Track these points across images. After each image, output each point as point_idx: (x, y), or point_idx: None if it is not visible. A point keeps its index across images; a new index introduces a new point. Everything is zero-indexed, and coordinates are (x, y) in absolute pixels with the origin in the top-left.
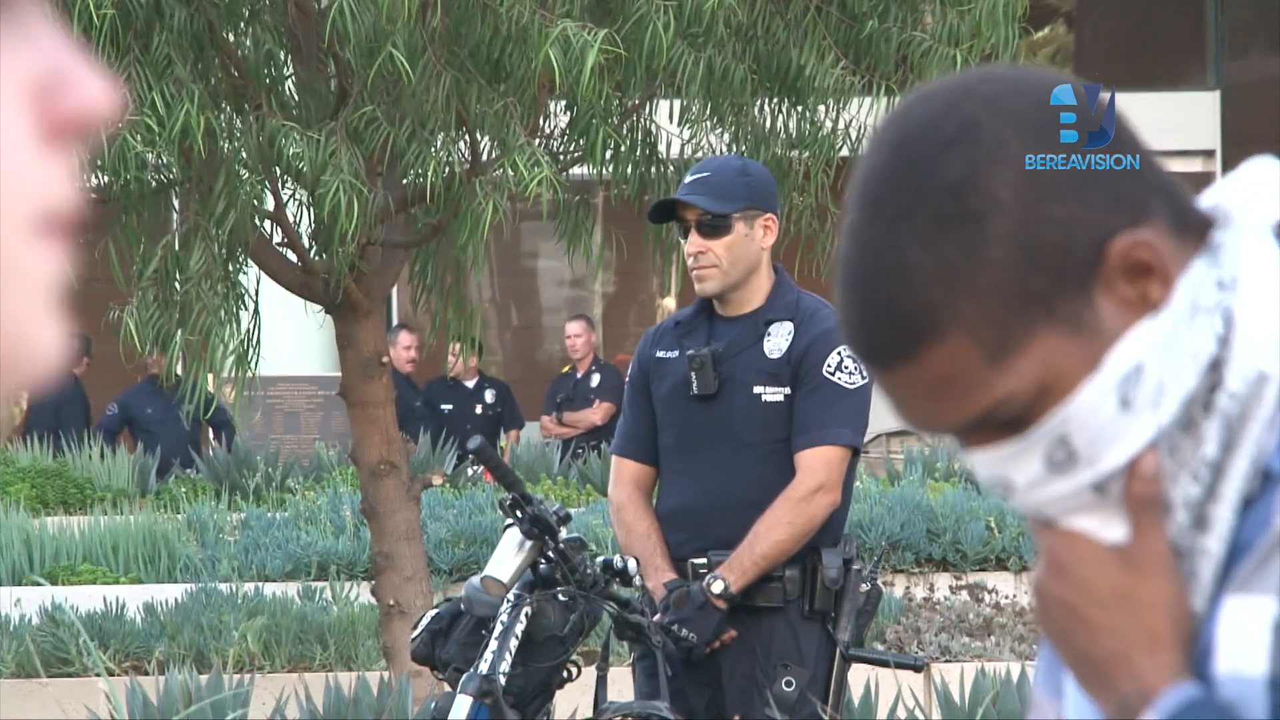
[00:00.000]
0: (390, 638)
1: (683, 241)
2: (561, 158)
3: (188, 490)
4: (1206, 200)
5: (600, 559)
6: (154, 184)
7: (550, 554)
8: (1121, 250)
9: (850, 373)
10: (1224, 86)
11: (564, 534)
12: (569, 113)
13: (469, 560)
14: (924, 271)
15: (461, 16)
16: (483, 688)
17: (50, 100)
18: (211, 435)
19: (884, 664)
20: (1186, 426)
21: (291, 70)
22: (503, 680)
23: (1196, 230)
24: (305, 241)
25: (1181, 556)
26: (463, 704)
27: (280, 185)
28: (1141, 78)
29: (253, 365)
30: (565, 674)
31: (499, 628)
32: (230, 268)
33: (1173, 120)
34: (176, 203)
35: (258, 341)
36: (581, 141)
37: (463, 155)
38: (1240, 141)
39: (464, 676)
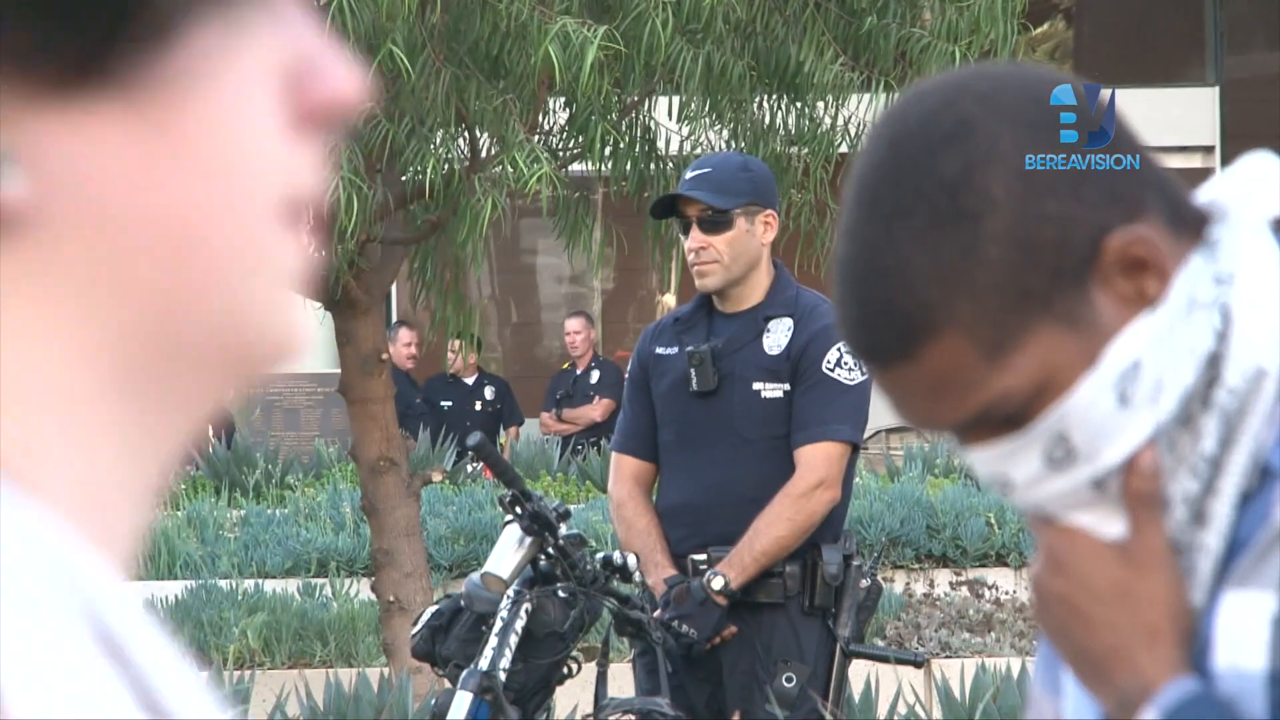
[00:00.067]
0: (390, 634)
1: (683, 238)
2: (561, 154)
3: (187, 487)
4: (1203, 196)
5: (600, 555)
6: None
7: (550, 550)
8: (1118, 246)
9: (850, 369)
10: (1223, 82)
11: (564, 530)
12: (568, 109)
13: (469, 557)
14: (921, 271)
15: (461, 13)
16: (483, 684)
17: (300, 87)
18: (211, 432)
19: (884, 660)
20: (1185, 422)
21: None
22: (503, 676)
23: (1193, 226)
24: (304, 238)
25: (1180, 552)
26: (463, 700)
27: None
28: (1141, 74)
29: None
30: (565, 670)
31: (499, 624)
32: None
33: (1172, 116)
34: None
35: None
36: (581, 138)
37: (462, 152)
38: (1239, 137)
39: (464, 673)
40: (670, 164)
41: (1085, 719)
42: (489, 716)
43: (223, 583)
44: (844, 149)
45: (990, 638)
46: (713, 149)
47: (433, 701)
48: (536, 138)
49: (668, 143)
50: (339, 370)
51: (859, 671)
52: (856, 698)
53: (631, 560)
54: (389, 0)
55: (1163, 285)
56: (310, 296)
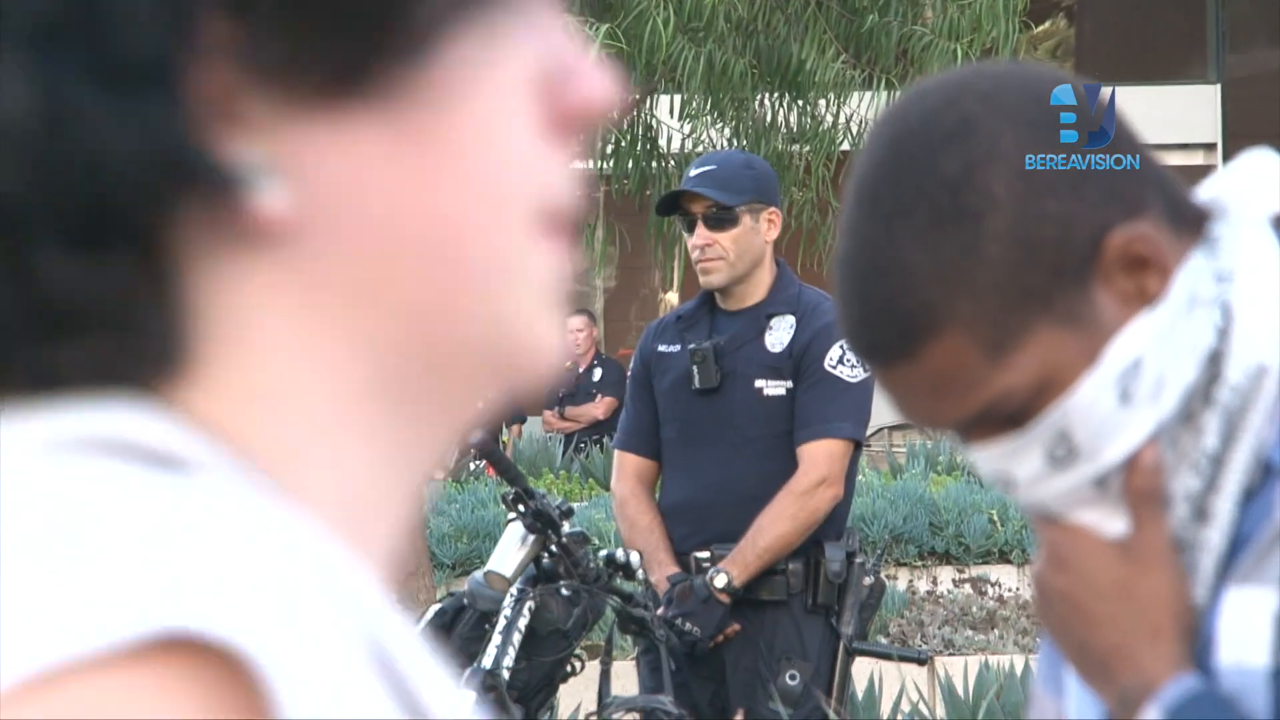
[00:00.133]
0: None
1: (687, 235)
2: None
3: None
4: (1204, 193)
5: (603, 553)
6: None
7: (553, 548)
8: (1119, 244)
9: (852, 366)
10: (1225, 80)
11: (567, 528)
12: None
13: (471, 555)
14: (922, 270)
15: None
16: (486, 682)
17: (555, 93)
18: None
19: (887, 657)
20: (1186, 419)
21: None
22: (506, 675)
23: (1194, 223)
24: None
25: (1182, 549)
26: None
27: None
28: (1142, 72)
29: None
30: (569, 668)
31: (502, 622)
32: None
33: (1173, 114)
34: None
35: None
36: (582, 136)
37: None
38: (1241, 135)
39: (467, 671)
40: (672, 162)
41: (1088, 718)
42: (493, 715)
43: None
44: (846, 146)
45: (993, 635)
46: (714, 147)
47: None
48: None
49: (669, 141)
50: None
51: (862, 669)
52: (860, 695)
53: (634, 558)
54: None
55: (1164, 283)
56: None
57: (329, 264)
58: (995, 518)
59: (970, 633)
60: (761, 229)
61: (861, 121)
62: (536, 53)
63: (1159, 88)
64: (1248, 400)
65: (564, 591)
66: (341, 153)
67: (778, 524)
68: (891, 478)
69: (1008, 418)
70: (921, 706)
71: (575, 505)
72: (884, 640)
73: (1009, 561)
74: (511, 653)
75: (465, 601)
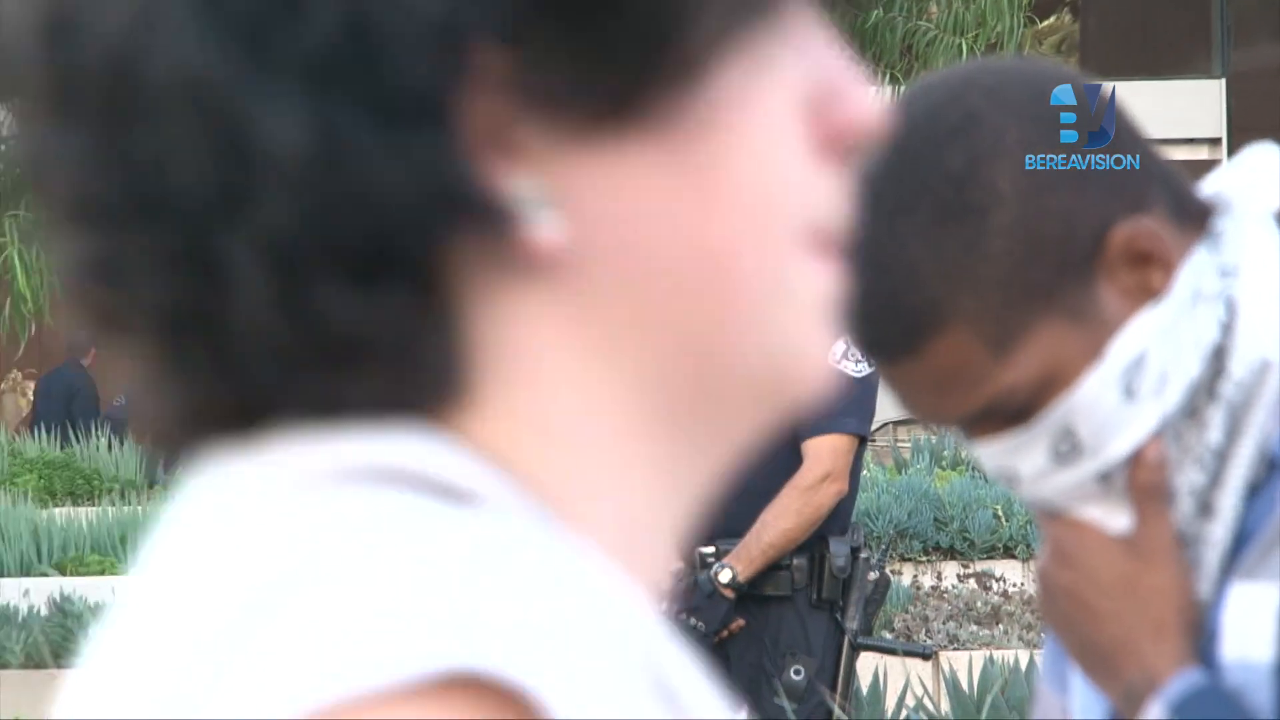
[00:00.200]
0: None
1: None
2: None
3: None
4: (1207, 188)
5: None
6: None
7: None
8: (1122, 239)
9: (857, 360)
10: (1229, 75)
11: None
12: None
13: None
14: (925, 266)
15: None
16: None
17: (823, 113)
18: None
19: (892, 652)
20: (1191, 414)
21: None
22: None
23: (1197, 218)
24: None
25: (1187, 545)
26: None
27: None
28: (1146, 66)
29: None
30: None
31: None
32: None
33: (1178, 109)
34: None
35: None
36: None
37: None
38: (1245, 129)
39: None
40: None
41: (1092, 715)
42: None
43: None
44: None
45: (998, 630)
46: None
47: None
48: None
49: None
50: None
51: (867, 664)
52: (864, 690)
53: None
54: None
55: (1167, 278)
56: None
57: (603, 293)
58: (1000, 513)
59: (975, 628)
60: None
61: None
62: (804, 73)
63: (1163, 82)
64: (1252, 395)
65: None
66: (614, 181)
67: (782, 519)
68: (896, 473)
69: (1012, 413)
70: (926, 702)
71: None
72: (888, 635)
73: (1014, 557)
74: None
75: None
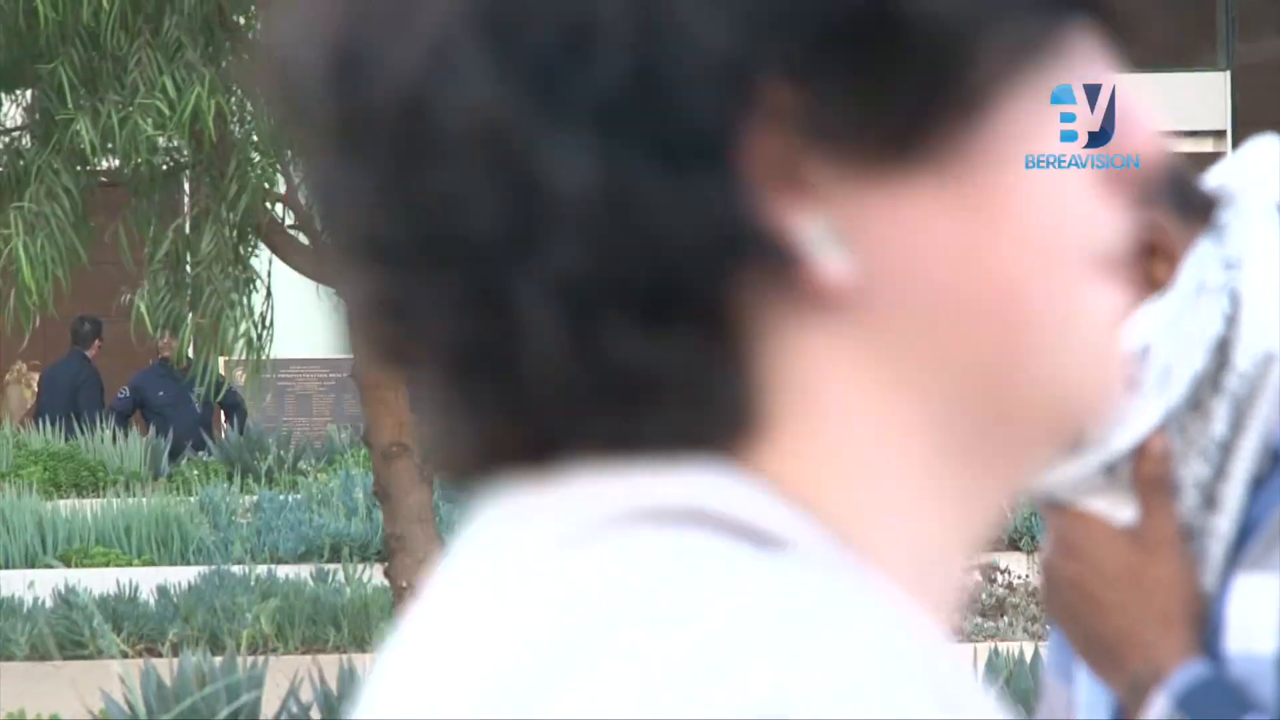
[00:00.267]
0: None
1: None
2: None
3: (200, 473)
4: (1211, 181)
5: None
6: (165, 167)
7: None
8: None
9: None
10: (1234, 67)
11: None
12: None
13: None
14: None
15: None
16: None
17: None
18: (223, 418)
19: None
20: (1195, 407)
21: None
22: None
23: (1201, 211)
24: (317, 224)
25: (1191, 537)
26: None
27: (292, 168)
28: (1151, 58)
29: (267, 348)
30: None
31: None
32: (241, 250)
33: (1183, 101)
34: (188, 186)
35: (270, 324)
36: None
37: None
38: (1251, 122)
39: None
40: None
41: (1097, 708)
42: None
43: (236, 568)
44: None
45: (1003, 622)
46: None
47: None
48: None
49: None
50: (351, 356)
51: None
52: None
53: None
54: None
55: (1171, 270)
56: (324, 282)
57: (893, 327)
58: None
59: (979, 619)
60: None
61: None
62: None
63: (1168, 75)
64: (1256, 388)
65: None
66: (900, 215)
67: None
68: None
69: None
70: None
71: None
72: None
73: (1018, 548)
74: None
75: None
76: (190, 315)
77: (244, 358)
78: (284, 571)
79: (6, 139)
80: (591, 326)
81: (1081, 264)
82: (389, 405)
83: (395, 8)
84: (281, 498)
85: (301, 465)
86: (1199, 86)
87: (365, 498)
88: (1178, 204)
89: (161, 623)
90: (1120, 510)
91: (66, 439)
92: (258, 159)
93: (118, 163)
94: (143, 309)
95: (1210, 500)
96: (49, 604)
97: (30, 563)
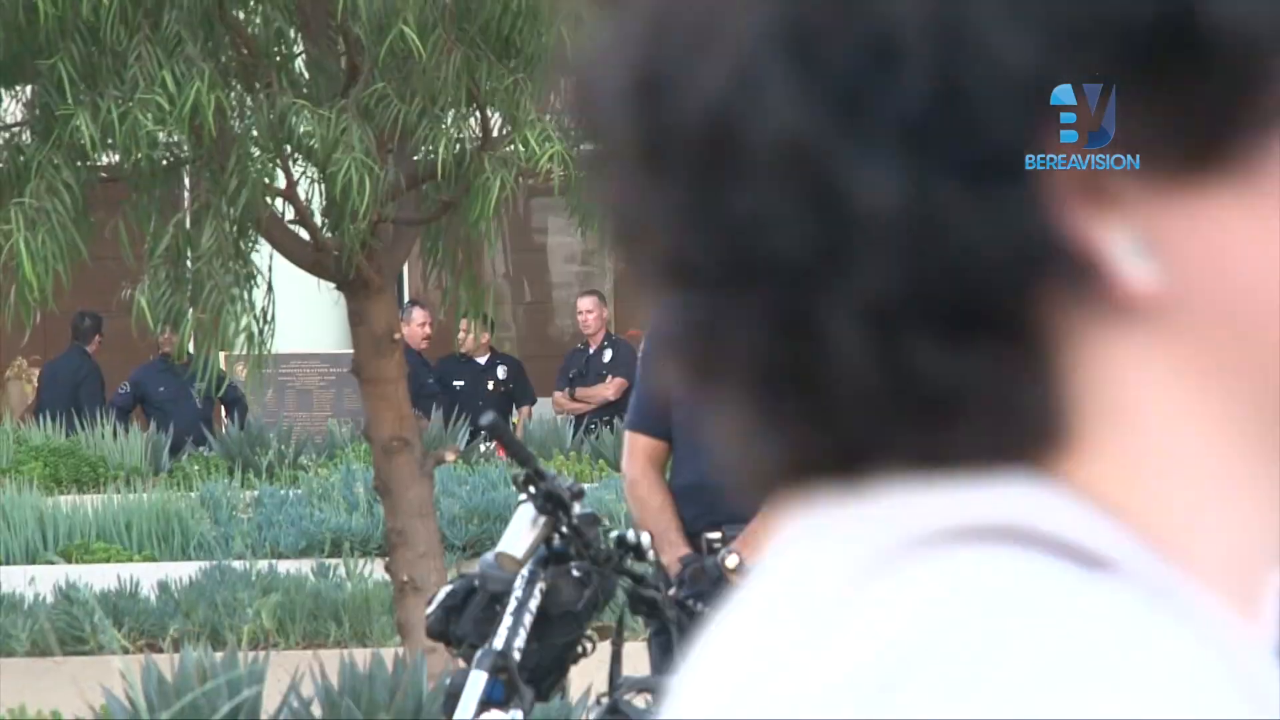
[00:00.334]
0: (404, 614)
1: None
2: (573, 133)
3: (200, 468)
4: None
5: (614, 534)
6: (165, 162)
7: (564, 529)
8: None
9: None
10: None
11: (577, 509)
12: None
13: (482, 536)
14: None
15: None
16: (497, 663)
17: None
18: (224, 413)
19: None
20: None
21: (302, 48)
22: (517, 656)
23: None
24: (317, 219)
25: None
26: (477, 679)
27: (291, 163)
28: None
29: (267, 343)
30: (580, 649)
31: (513, 603)
32: (242, 245)
33: None
34: (188, 181)
35: (271, 319)
36: None
37: (474, 131)
38: None
39: (479, 652)
40: None
41: None
42: (503, 696)
43: (236, 563)
44: None
45: None
46: None
47: (447, 681)
48: (548, 117)
49: None
50: (351, 350)
51: None
52: None
53: (645, 539)
54: None
55: None
56: (324, 277)
57: (1202, 333)
58: None
59: None
60: None
61: None
62: None
63: None
64: None
65: (575, 573)
66: (1204, 225)
67: None
68: None
69: None
70: None
71: (586, 486)
72: None
73: None
74: (523, 634)
75: (476, 583)
76: (191, 310)
77: (244, 353)
78: (285, 567)
79: (6, 134)
80: (898, 343)
81: None
82: (389, 400)
83: (698, 30)
84: (282, 493)
85: (302, 460)
86: None
87: (366, 493)
88: None
89: (162, 618)
90: None
91: (67, 434)
92: (257, 154)
93: (118, 158)
94: (143, 304)
95: None
96: (49, 600)
97: (31, 558)
